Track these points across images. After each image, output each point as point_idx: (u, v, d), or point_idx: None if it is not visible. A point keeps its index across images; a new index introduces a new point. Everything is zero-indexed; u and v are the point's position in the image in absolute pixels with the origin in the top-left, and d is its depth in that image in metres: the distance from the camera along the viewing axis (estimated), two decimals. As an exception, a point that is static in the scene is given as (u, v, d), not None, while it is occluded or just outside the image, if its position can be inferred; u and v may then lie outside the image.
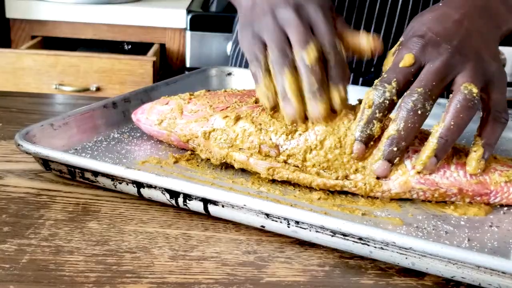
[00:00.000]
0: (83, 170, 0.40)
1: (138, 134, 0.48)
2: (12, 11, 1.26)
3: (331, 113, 0.39)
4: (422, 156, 0.37)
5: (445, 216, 0.37)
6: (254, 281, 0.32)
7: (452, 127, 0.36)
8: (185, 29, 1.26)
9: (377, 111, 0.37)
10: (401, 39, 0.41)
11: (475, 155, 0.38)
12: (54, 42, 1.29)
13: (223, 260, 0.33)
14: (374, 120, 0.37)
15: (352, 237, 0.32)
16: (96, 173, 0.39)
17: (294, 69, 0.39)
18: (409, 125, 0.36)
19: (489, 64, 0.38)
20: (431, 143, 0.36)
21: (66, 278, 0.31)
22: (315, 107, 0.38)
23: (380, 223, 0.36)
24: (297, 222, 0.33)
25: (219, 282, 0.31)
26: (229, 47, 1.22)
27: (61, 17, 1.26)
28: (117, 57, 1.15)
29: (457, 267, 0.30)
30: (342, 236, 0.33)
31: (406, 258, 0.32)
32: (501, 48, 1.20)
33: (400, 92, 0.37)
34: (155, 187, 0.37)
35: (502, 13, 0.41)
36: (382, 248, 0.32)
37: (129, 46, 1.35)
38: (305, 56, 0.38)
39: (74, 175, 0.40)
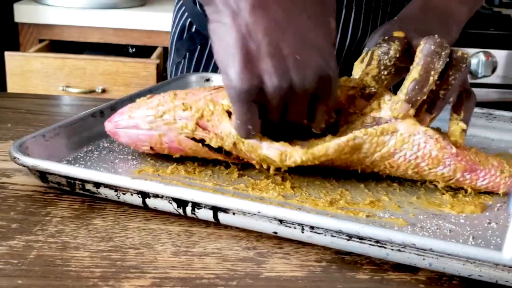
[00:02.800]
0: (84, 181, 0.39)
1: None
2: (21, 16, 1.28)
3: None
4: (393, 103, 0.38)
5: (444, 215, 0.38)
6: (254, 276, 0.32)
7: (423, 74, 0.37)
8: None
9: (381, 71, 0.39)
10: (366, 48, 0.42)
11: (458, 127, 0.39)
12: (61, 45, 1.31)
13: (224, 256, 0.34)
14: (377, 79, 0.38)
15: (369, 240, 0.32)
16: (98, 185, 0.38)
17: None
18: (431, 66, 0.37)
19: None
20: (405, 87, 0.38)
21: (72, 273, 0.32)
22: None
23: (386, 224, 0.36)
24: (311, 227, 0.33)
25: (220, 277, 0.32)
26: None
27: (68, 21, 1.28)
28: (122, 60, 1.17)
29: (475, 266, 0.31)
30: (358, 240, 0.33)
31: (424, 259, 0.32)
32: (492, 51, 1.21)
33: (402, 52, 0.39)
34: (161, 197, 0.37)
35: (450, 25, 0.45)
36: (399, 250, 0.32)
37: (134, 49, 1.36)
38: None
39: (73, 187, 0.39)
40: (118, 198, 0.39)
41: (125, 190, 0.38)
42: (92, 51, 1.30)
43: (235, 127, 0.38)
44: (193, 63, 0.65)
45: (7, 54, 1.15)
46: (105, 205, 0.39)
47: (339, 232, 0.33)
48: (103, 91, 1.17)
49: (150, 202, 0.38)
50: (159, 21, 1.28)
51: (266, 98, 0.34)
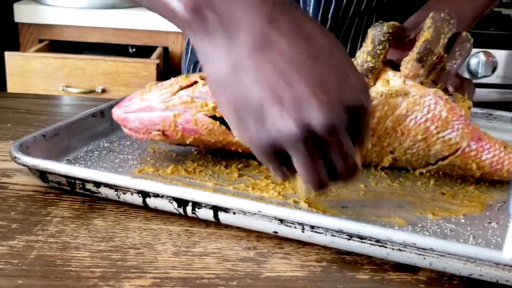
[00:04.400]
0: (84, 181, 0.39)
1: (128, 143, 0.47)
2: (21, 16, 1.28)
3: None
4: (407, 60, 0.40)
5: (445, 215, 0.38)
6: (254, 276, 0.32)
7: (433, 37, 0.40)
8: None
9: (376, 45, 0.40)
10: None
11: (464, 104, 0.41)
12: (61, 45, 1.31)
13: (224, 256, 0.34)
14: (373, 54, 0.40)
15: (369, 239, 0.32)
16: (98, 184, 0.38)
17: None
18: (442, 31, 0.39)
19: None
20: (415, 48, 0.40)
21: (72, 273, 0.32)
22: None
23: (386, 224, 0.36)
24: (312, 227, 0.33)
25: (220, 277, 0.32)
26: None
27: (68, 21, 1.28)
28: (122, 60, 1.17)
29: (475, 265, 0.31)
30: (359, 239, 0.33)
31: (424, 258, 0.32)
32: (492, 51, 1.21)
33: (396, 27, 0.41)
34: (162, 196, 0.37)
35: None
36: (400, 250, 0.32)
37: (134, 49, 1.36)
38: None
39: (74, 186, 0.39)
40: (119, 197, 0.39)
41: (125, 190, 0.38)
42: (92, 51, 1.30)
43: (271, 172, 0.32)
44: None
45: (7, 54, 1.15)
46: (106, 205, 0.39)
47: (340, 232, 0.33)
48: (103, 91, 1.17)
49: (151, 201, 0.38)
50: (159, 21, 1.28)
51: (293, 148, 0.28)
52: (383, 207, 0.39)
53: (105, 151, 0.46)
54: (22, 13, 1.27)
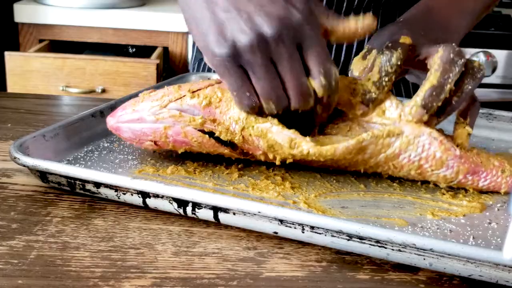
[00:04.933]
0: (84, 181, 0.39)
1: (128, 143, 0.47)
2: (20, 16, 1.28)
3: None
4: (407, 107, 0.38)
5: (444, 215, 0.38)
6: (254, 276, 0.32)
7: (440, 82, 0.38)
8: (188, 33, 1.27)
9: (382, 76, 0.38)
10: (368, 45, 0.42)
11: (464, 130, 0.40)
12: (61, 45, 1.31)
13: (224, 256, 0.34)
14: (378, 85, 0.38)
15: (369, 240, 0.33)
16: (98, 184, 0.38)
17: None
18: (450, 74, 0.37)
19: None
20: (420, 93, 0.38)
21: (72, 273, 0.32)
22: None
23: (386, 224, 0.36)
24: (312, 227, 0.34)
25: (220, 277, 0.32)
26: None
27: (68, 21, 1.28)
28: (121, 60, 1.17)
29: (475, 266, 0.31)
30: (358, 240, 0.33)
31: (424, 259, 0.32)
32: (492, 51, 1.21)
33: (404, 60, 0.38)
34: (162, 197, 0.37)
35: (449, 35, 0.45)
36: (399, 250, 0.32)
37: (133, 49, 1.36)
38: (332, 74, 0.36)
39: (74, 187, 0.39)
40: (119, 198, 0.39)
41: (125, 190, 0.38)
42: (92, 51, 1.30)
43: (236, 103, 0.37)
44: None
45: (7, 54, 1.15)
46: (106, 205, 0.39)
47: (340, 232, 0.33)
48: (103, 91, 1.17)
49: (151, 202, 0.38)
50: (159, 21, 1.28)
51: (249, 59, 0.34)
52: (383, 207, 0.39)
53: (105, 151, 0.46)
54: (22, 13, 1.28)
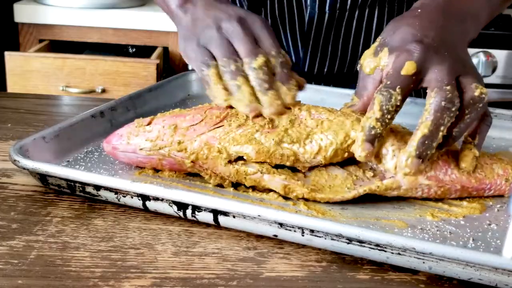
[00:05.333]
0: (84, 184, 0.39)
1: None
2: (21, 16, 1.28)
3: (285, 109, 0.42)
4: (402, 158, 0.37)
5: (444, 217, 0.38)
6: (254, 276, 0.33)
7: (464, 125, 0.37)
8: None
9: (385, 114, 0.37)
10: (381, 38, 0.41)
11: (470, 153, 0.39)
12: (61, 45, 1.31)
13: (224, 256, 0.34)
14: (381, 122, 0.37)
15: (369, 243, 0.33)
16: (98, 187, 0.38)
17: (245, 76, 0.42)
18: (441, 122, 0.36)
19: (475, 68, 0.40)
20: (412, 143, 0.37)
21: (72, 273, 0.32)
22: (267, 100, 0.41)
23: (386, 226, 0.36)
24: (311, 231, 0.34)
25: (220, 277, 0.32)
26: None
27: (68, 21, 1.28)
28: (121, 60, 1.17)
29: (475, 269, 0.31)
30: (358, 244, 0.33)
31: (424, 262, 0.32)
32: (492, 51, 1.21)
33: (403, 99, 0.37)
34: (161, 200, 0.37)
35: (469, 23, 0.44)
36: (399, 254, 0.32)
37: (133, 49, 1.36)
38: (253, 63, 0.42)
39: (74, 189, 0.39)
40: (119, 200, 0.39)
41: (125, 193, 0.38)
42: (92, 51, 1.30)
43: (201, 77, 0.44)
44: None
45: (7, 54, 1.15)
46: (105, 205, 0.39)
47: (339, 236, 0.33)
48: (103, 91, 1.17)
49: (151, 204, 0.38)
50: (159, 21, 1.28)
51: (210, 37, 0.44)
52: (382, 208, 0.39)
53: (105, 152, 0.46)
54: (22, 13, 1.28)
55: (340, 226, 0.33)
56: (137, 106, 0.52)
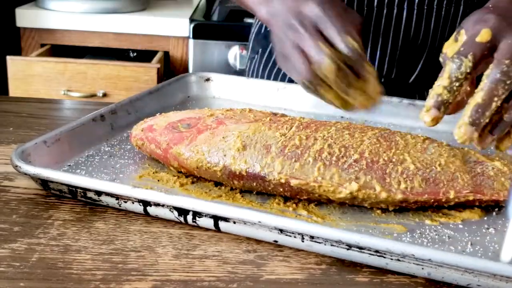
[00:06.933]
0: (86, 190, 0.39)
1: (129, 146, 0.47)
2: (22, 20, 1.29)
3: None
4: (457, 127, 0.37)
5: (443, 221, 0.38)
6: (254, 279, 0.33)
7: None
8: (188, 37, 1.28)
9: (453, 82, 0.38)
10: (458, 27, 0.41)
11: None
12: (62, 50, 1.32)
13: (224, 259, 0.34)
14: (449, 89, 0.38)
15: (368, 250, 0.33)
16: (99, 193, 0.39)
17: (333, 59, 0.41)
18: (495, 93, 0.37)
19: None
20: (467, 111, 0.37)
21: (74, 276, 0.32)
22: (354, 94, 0.41)
23: (385, 230, 0.37)
24: (311, 237, 0.34)
25: (221, 280, 0.32)
26: (230, 54, 1.24)
27: (69, 26, 1.28)
28: (123, 64, 1.17)
29: (473, 276, 0.31)
30: (358, 250, 0.33)
31: (423, 268, 0.32)
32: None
33: (475, 66, 0.38)
34: (162, 205, 0.37)
35: None
36: (398, 260, 0.32)
37: (135, 54, 1.37)
38: (348, 42, 0.41)
39: (75, 195, 0.40)
40: (120, 206, 0.39)
41: (126, 199, 0.38)
42: (94, 56, 1.31)
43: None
44: (264, 58, 0.68)
45: (9, 59, 1.15)
46: (107, 209, 0.40)
47: (339, 242, 0.33)
48: (104, 95, 1.18)
49: (151, 210, 0.38)
50: (160, 26, 1.29)
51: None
52: (382, 213, 0.39)
53: (106, 156, 0.46)
54: (24, 18, 1.28)
55: (340, 232, 0.33)
56: (137, 109, 0.52)
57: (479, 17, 0.40)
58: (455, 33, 0.42)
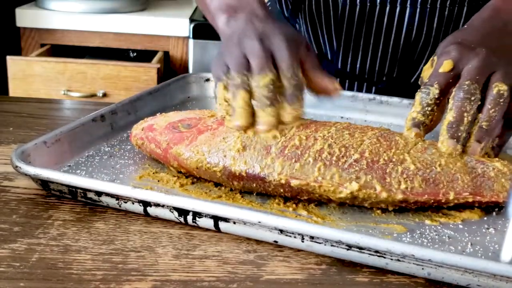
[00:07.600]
0: (86, 190, 0.39)
1: (129, 147, 0.47)
2: (22, 20, 1.29)
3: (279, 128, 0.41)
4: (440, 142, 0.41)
5: (443, 221, 0.38)
6: (254, 279, 0.33)
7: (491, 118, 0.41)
8: (188, 37, 1.28)
9: (425, 107, 0.42)
10: (434, 55, 0.45)
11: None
12: (62, 50, 1.32)
13: (224, 259, 0.34)
14: (422, 114, 0.42)
15: (368, 250, 0.33)
16: (99, 193, 0.39)
17: (247, 90, 0.41)
18: (463, 109, 0.40)
19: None
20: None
21: (74, 276, 0.32)
22: (262, 116, 0.41)
23: (385, 230, 0.37)
24: (311, 237, 0.34)
25: (221, 280, 0.32)
26: None
27: (69, 26, 1.29)
28: (123, 64, 1.17)
29: (473, 276, 0.31)
30: (358, 250, 0.33)
31: (423, 268, 0.32)
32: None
33: (442, 92, 0.42)
34: (163, 206, 0.37)
35: None
36: (398, 260, 0.33)
37: (134, 54, 1.37)
38: (259, 80, 0.41)
39: (75, 195, 0.40)
40: (120, 206, 0.39)
41: (126, 199, 0.38)
42: (93, 56, 1.31)
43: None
44: None
45: (9, 58, 1.16)
46: (107, 209, 0.40)
47: (339, 242, 0.33)
48: (104, 95, 1.18)
49: (151, 210, 0.38)
50: (160, 26, 1.29)
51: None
52: (381, 213, 0.39)
53: (106, 156, 0.46)
54: (24, 18, 1.28)
55: (340, 233, 0.33)
56: (137, 109, 0.52)
57: (444, 46, 0.44)
58: (431, 59, 0.46)
